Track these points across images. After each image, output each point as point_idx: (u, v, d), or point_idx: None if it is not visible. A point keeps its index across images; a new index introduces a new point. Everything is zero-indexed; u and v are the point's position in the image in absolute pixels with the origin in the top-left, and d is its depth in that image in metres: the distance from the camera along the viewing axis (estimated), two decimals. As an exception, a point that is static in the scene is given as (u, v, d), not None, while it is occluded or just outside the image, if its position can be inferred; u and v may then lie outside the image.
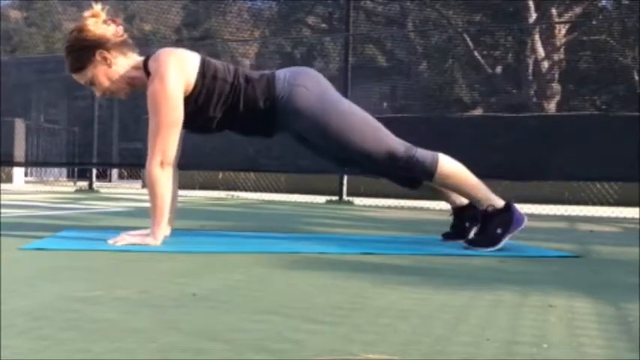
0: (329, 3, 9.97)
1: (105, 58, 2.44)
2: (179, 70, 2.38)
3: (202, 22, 10.38)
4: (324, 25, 10.48)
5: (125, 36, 2.50)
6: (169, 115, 2.36)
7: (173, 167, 2.51)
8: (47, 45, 18.97)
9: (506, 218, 2.45)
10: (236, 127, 2.58)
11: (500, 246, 2.43)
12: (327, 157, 2.77)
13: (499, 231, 2.45)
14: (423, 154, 2.49)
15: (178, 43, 9.49)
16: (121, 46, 2.47)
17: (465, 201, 2.69)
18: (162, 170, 2.38)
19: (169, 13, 9.49)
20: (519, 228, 2.46)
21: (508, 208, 2.47)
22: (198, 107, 2.44)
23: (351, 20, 7.33)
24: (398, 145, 2.49)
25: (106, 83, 2.48)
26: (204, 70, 2.43)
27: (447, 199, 2.75)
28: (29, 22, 19.66)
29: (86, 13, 2.46)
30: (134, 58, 2.50)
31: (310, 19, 10.66)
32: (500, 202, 2.49)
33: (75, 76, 2.52)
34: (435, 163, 2.48)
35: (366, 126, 2.49)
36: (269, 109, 2.46)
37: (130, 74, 2.48)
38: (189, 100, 2.42)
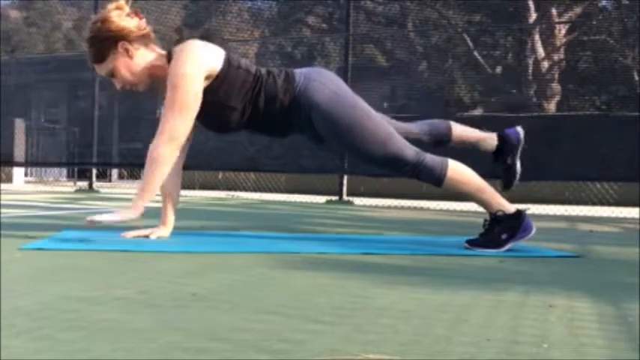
0: (329, 3, 9.96)
1: (127, 50, 2.45)
2: (202, 56, 2.40)
3: (202, 22, 10.38)
4: (324, 25, 10.48)
5: (148, 29, 2.50)
6: (185, 95, 2.36)
7: (177, 169, 2.52)
8: (47, 45, 18.96)
9: (514, 225, 2.45)
10: (255, 123, 2.55)
11: (502, 250, 2.43)
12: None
13: (504, 236, 2.45)
14: (432, 160, 2.48)
15: (178, 43, 9.48)
16: (144, 39, 2.48)
17: (494, 143, 2.70)
18: (166, 149, 2.37)
19: (169, 13, 9.48)
20: (526, 237, 2.46)
21: (518, 215, 2.47)
22: (220, 96, 2.43)
23: (351, 20, 7.33)
24: (408, 149, 2.48)
25: (126, 75, 2.49)
26: (229, 60, 2.44)
27: (477, 145, 2.75)
28: (29, 22, 19.65)
29: (110, 5, 2.48)
30: (156, 52, 2.51)
31: (310, 19, 10.66)
32: (511, 208, 2.49)
33: (96, 67, 2.53)
34: (445, 169, 2.47)
35: (377, 128, 2.48)
36: (288, 102, 2.47)
37: (150, 67, 2.48)
38: (212, 88, 2.41)
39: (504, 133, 2.71)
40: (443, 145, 2.72)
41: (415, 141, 2.61)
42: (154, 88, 2.59)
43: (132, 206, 2.40)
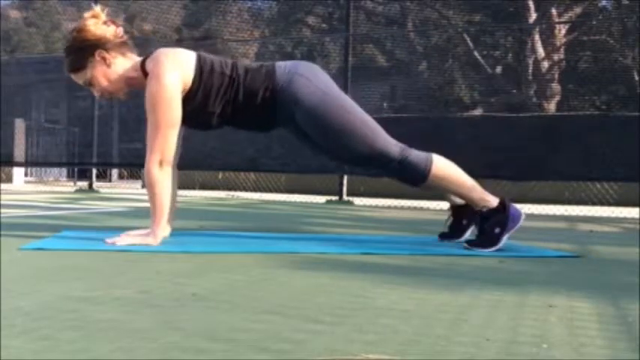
0: (329, 3, 9.96)
1: (104, 59, 2.44)
2: (176, 69, 2.38)
3: (202, 22, 10.38)
4: (324, 25, 10.47)
5: (125, 37, 2.50)
6: (167, 114, 2.36)
7: (172, 167, 2.51)
8: (47, 45, 18.97)
9: (502, 217, 2.45)
10: (236, 121, 2.56)
11: (500, 245, 2.43)
12: (327, 155, 2.74)
13: (497, 230, 2.45)
14: (417, 156, 2.48)
15: (178, 43, 9.49)
16: (121, 47, 2.47)
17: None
18: (160, 170, 2.37)
19: (169, 13, 9.49)
20: (517, 225, 2.46)
21: (503, 207, 2.47)
22: (198, 104, 2.44)
23: (351, 20, 7.33)
24: (392, 146, 2.48)
25: (104, 84, 2.48)
26: (201, 66, 2.43)
27: (446, 197, 2.74)
28: (28, 22, 19.66)
29: (86, 14, 2.47)
30: (133, 59, 2.50)
31: (310, 19, 10.66)
32: (494, 202, 2.49)
33: (73, 76, 2.52)
34: (429, 165, 2.47)
35: (362, 125, 2.48)
36: (269, 98, 2.45)
37: (128, 75, 2.48)
38: (189, 97, 2.42)
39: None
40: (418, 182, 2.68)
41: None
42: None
43: (151, 233, 2.38)
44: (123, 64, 2.47)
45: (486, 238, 2.46)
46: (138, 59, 2.50)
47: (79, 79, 2.51)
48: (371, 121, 2.52)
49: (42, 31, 19.55)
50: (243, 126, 2.62)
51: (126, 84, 2.50)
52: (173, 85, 2.37)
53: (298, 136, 2.63)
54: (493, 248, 2.43)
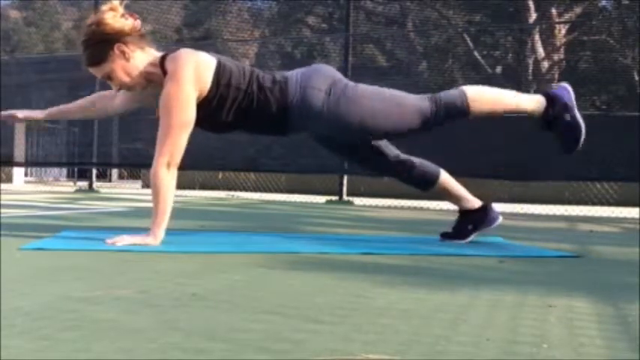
0: (329, 3, 9.97)
1: (123, 52, 2.41)
2: (195, 74, 2.37)
3: (202, 22, 10.39)
4: (324, 25, 10.48)
5: (143, 30, 2.48)
6: (180, 117, 2.35)
7: None
8: (46, 44, 18.98)
9: (560, 105, 2.50)
10: (248, 129, 2.58)
11: (583, 124, 2.52)
12: (346, 156, 2.74)
13: (568, 117, 2.50)
14: (448, 96, 2.48)
15: (178, 43, 9.50)
16: (139, 40, 2.45)
17: (474, 205, 2.69)
18: (168, 171, 2.36)
19: (169, 13, 9.49)
20: (574, 99, 2.52)
21: (551, 99, 2.51)
22: (211, 111, 2.43)
23: (351, 20, 7.33)
24: (422, 103, 2.47)
25: (123, 78, 2.45)
26: (219, 76, 2.41)
27: (456, 201, 2.74)
28: (28, 22, 19.66)
29: (104, 7, 2.44)
30: (152, 54, 2.48)
31: (310, 19, 10.66)
32: (542, 99, 2.51)
33: (92, 70, 2.49)
34: (464, 95, 2.47)
35: (385, 105, 2.47)
36: (282, 115, 2.46)
37: (147, 69, 2.45)
38: (204, 103, 2.40)
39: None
40: (427, 186, 2.74)
41: (401, 162, 2.67)
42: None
43: (151, 234, 2.36)
44: (142, 58, 2.45)
45: (569, 129, 2.50)
46: (157, 54, 2.48)
47: (97, 72, 2.48)
48: (391, 96, 2.50)
49: (42, 31, 19.56)
50: (257, 133, 2.64)
51: (145, 79, 2.48)
52: (190, 89, 2.35)
53: (319, 141, 2.64)
54: (583, 130, 2.50)
